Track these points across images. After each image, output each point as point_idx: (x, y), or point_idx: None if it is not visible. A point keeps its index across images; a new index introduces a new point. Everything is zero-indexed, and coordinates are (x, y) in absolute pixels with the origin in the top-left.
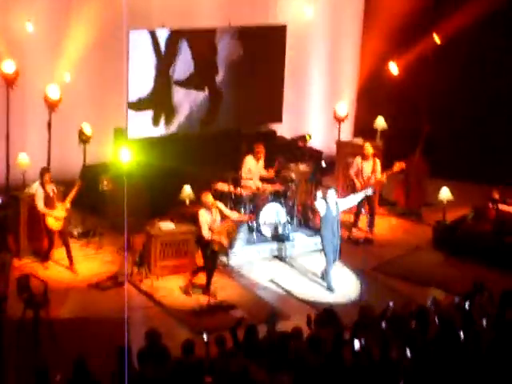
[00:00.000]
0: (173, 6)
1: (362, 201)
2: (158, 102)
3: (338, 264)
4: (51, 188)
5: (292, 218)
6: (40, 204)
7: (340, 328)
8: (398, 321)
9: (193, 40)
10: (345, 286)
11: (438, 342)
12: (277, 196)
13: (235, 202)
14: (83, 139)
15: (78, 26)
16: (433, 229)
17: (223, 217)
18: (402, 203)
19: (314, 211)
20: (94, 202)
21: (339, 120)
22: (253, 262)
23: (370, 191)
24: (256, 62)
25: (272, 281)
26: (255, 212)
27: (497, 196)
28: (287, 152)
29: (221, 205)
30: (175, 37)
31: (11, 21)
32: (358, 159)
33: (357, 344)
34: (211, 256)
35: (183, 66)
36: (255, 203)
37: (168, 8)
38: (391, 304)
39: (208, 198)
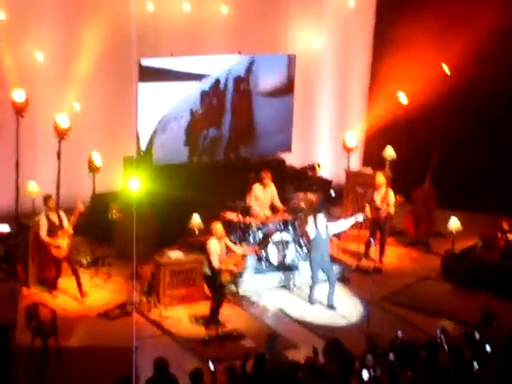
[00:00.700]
0: (182, 35)
1: (374, 230)
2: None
3: (342, 290)
4: (56, 216)
5: (300, 247)
6: (42, 234)
7: (348, 358)
8: (406, 351)
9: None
10: (352, 313)
11: (448, 373)
12: (285, 225)
13: (244, 231)
14: (93, 168)
15: (88, 55)
16: (441, 258)
17: (229, 250)
18: (411, 233)
19: (306, 235)
20: (103, 230)
21: (348, 150)
22: (261, 291)
23: (360, 217)
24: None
25: (281, 310)
26: (263, 242)
27: (506, 226)
28: (296, 181)
29: (228, 241)
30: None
31: (22, 50)
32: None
33: (365, 375)
34: (220, 287)
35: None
36: (264, 232)
37: (177, 37)
38: (400, 333)
39: (218, 227)
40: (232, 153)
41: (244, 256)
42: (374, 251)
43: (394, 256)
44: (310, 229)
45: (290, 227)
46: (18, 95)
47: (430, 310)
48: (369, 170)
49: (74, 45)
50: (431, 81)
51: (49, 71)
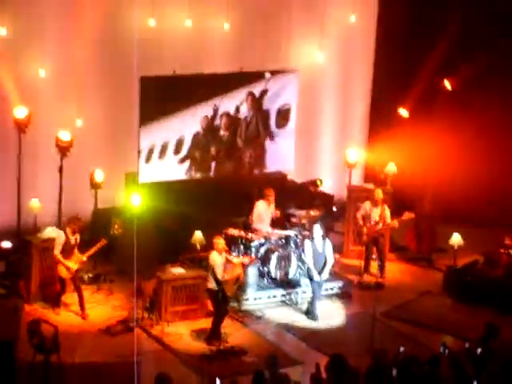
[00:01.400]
0: (184, 52)
1: (370, 246)
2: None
3: (344, 306)
4: (74, 238)
5: (302, 263)
6: (56, 251)
7: (351, 374)
8: (409, 366)
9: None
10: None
11: None
12: (287, 241)
13: (245, 248)
14: (95, 184)
15: (90, 72)
16: (443, 274)
17: (228, 263)
18: (413, 248)
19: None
20: (105, 246)
21: (350, 166)
22: (263, 307)
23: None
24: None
25: (283, 326)
26: (265, 258)
27: (509, 242)
28: (298, 197)
29: (227, 255)
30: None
31: (24, 67)
32: (367, 204)
33: None
34: (222, 301)
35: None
36: (266, 248)
37: (179, 54)
38: (402, 349)
39: (220, 241)
40: (234, 169)
41: (243, 266)
42: (374, 267)
43: (396, 271)
44: (307, 251)
45: (291, 243)
46: (20, 112)
47: (432, 325)
48: (371, 186)
49: (76, 61)
50: (434, 92)
51: (51, 88)
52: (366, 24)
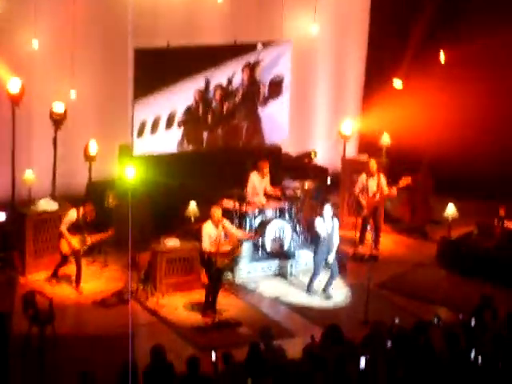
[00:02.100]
0: (178, 24)
1: (368, 218)
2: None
3: (338, 280)
4: (85, 218)
5: (297, 235)
6: (64, 227)
7: (346, 345)
8: (404, 337)
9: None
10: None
11: (444, 360)
12: (282, 213)
13: (240, 219)
14: (89, 157)
15: (84, 44)
16: (437, 245)
17: (227, 234)
18: (407, 220)
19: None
20: (100, 218)
21: (344, 137)
22: (258, 279)
23: None
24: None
25: (277, 298)
26: (260, 229)
27: (503, 213)
28: (292, 169)
29: (227, 223)
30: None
31: (17, 39)
32: (363, 176)
33: (363, 362)
34: (216, 273)
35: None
36: (260, 220)
37: (173, 26)
38: (397, 320)
39: (217, 212)
40: (228, 141)
41: (241, 241)
42: (369, 238)
43: (391, 243)
44: (320, 228)
45: (286, 215)
46: (14, 84)
47: (426, 297)
48: (365, 157)
49: (70, 33)
50: (428, 66)
51: (44, 60)
52: None
